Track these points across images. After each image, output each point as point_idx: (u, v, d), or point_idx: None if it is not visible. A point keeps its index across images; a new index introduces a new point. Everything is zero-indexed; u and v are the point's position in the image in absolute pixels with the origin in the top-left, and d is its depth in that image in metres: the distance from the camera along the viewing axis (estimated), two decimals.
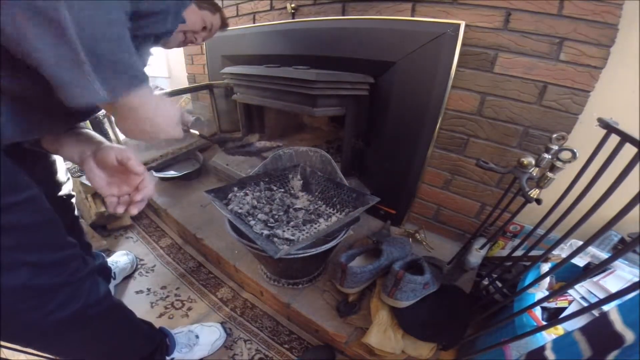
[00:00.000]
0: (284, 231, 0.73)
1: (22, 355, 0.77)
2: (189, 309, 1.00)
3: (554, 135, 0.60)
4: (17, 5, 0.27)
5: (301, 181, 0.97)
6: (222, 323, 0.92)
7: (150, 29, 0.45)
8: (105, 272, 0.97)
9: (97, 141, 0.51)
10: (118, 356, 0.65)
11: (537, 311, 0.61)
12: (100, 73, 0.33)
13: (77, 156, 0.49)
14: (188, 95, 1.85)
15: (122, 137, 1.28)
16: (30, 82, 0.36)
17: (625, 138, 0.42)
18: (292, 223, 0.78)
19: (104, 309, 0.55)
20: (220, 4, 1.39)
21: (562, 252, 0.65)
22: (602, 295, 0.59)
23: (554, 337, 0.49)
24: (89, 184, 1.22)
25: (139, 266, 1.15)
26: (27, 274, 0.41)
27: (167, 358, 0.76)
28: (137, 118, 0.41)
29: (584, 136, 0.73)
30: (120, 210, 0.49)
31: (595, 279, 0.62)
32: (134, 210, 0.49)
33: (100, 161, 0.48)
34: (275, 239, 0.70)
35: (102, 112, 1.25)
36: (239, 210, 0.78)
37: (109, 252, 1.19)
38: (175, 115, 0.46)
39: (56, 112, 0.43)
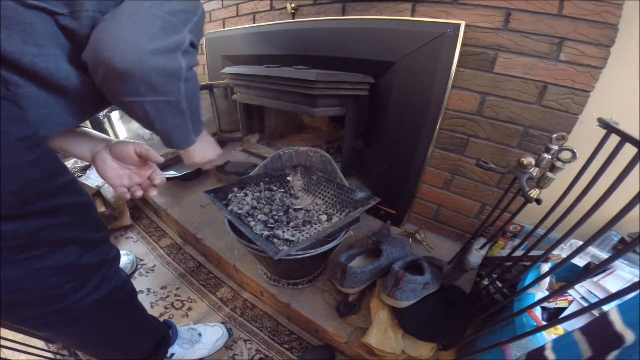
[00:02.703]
0: (283, 232, 0.73)
1: (23, 356, 0.77)
2: (189, 309, 1.00)
3: (554, 135, 0.60)
4: (159, 101, 0.43)
5: (301, 181, 0.97)
6: (222, 323, 0.92)
7: None
8: None
9: (104, 137, 0.55)
10: (133, 345, 0.66)
11: (537, 311, 0.61)
12: (194, 127, 0.51)
13: (88, 151, 0.52)
14: None
15: (121, 135, 1.28)
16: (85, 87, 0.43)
17: (625, 138, 0.42)
18: (292, 223, 0.78)
19: (127, 292, 0.58)
20: (220, 4, 1.40)
21: (562, 252, 0.65)
22: (602, 295, 0.59)
23: (554, 337, 0.49)
24: (90, 184, 1.23)
25: (138, 266, 1.16)
26: (76, 252, 0.45)
27: (169, 351, 0.77)
28: (204, 147, 0.58)
29: (584, 136, 0.73)
30: (139, 193, 0.55)
31: (595, 279, 0.62)
32: (153, 192, 0.57)
33: (116, 153, 0.52)
34: (275, 240, 0.70)
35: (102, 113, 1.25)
36: (239, 211, 0.77)
37: None
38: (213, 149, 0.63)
39: (87, 106, 0.48)
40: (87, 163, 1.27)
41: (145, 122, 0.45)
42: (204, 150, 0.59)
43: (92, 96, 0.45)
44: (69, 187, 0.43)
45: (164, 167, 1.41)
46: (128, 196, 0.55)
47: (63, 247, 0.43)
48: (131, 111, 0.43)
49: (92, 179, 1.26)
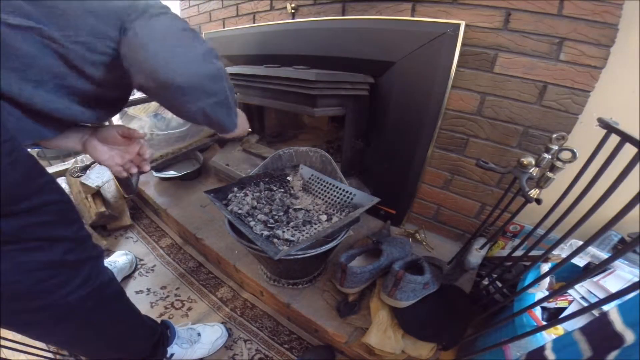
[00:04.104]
0: (283, 232, 0.73)
1: (22, 356, 0.77)
2: (189, 309, 1.00)
3: (554, 135, 0.60)
4: (214, 102, 0.49)
5: (301, 181, 0.97)
6: (222, 323, 0.92)
7: None
8: None
9: (88, 127, 0.58)
10: (127, 344, 0.66)
11: (537, 311, 0.61)
12: (235, 113, 0.57)
13: (78, 141, 0.56)
14: None
15: None
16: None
17: (625, 138, 0.42)
18: (292, 223, 0.78)
19: (114, 289, 0.59)
20: (220, 4, 1.40)
21: (562, 252, 0.65)
22: (602, 295, 0.59)
23: (554, 337, 0.49)
24: (90, 184, 1.23)
25: (138, 266, 1.16)
26: (59, 250, 0.45)
27: (168, 351, 0.77)
28: (241, 123, 0.65)
29: (584, 136, 0.73)
30: (133, 170, 0.60)
31: (595, 279, 0.62)
32: (147, 167, 0.61)
33: (103, 138, 0.57)
34: (275, 240, 0.70)
35: None
36: (239, 211, 0.77)
37: (109, 252, 1.19)
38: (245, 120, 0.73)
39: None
40: (87, 163, 1.28)
41: (204, 121, 0.52)
42: (240, 126, 0.68)
43: (67, 118, 0.46)
44: (48, 186, 0.44)
45: (164, 167, 1.41)
46: (124, 174, 0.60)
47: (47, 245, 0.44)
48: (193, 117, 0.50)
49: (92, 179, 1.26)
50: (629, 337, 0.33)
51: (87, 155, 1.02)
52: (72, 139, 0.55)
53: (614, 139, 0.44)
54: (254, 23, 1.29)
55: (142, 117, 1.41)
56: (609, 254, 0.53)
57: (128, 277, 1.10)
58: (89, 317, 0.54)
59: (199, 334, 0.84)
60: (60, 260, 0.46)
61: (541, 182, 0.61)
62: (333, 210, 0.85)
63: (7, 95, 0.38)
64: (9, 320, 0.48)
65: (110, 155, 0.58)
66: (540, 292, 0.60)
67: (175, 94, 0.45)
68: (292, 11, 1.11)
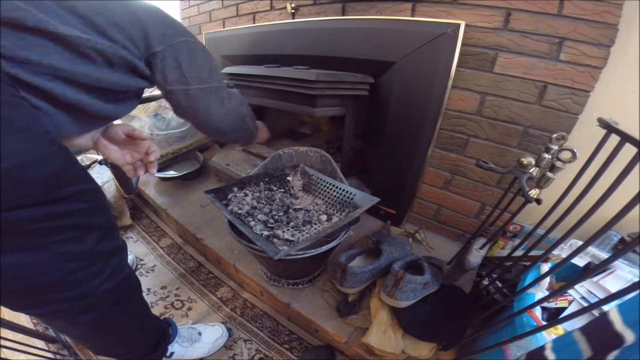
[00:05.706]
0: (283, 232, 0.73)
1: (22, 356, 0.77)
2: (189, 309, 1.00)
3: (554, 135, 0.60)
4: (241, 132, 0.77)
5: (301, 181, 0.97)
6: (222, 323, 0.92)
7: None
8: None
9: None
10: (136, 339, 0.67)
11: (537, 311, 0.61)
12: (254, 128, 0.81)
13: (89, 140, 0.57)
14: None
15: None
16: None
17: (625, 138, 0.42)
18: (292, 224, 0.78)
19: (135, 283, 0.62)
20: (220, 4, 1.40)
21: (562, 252, 0.65)
22: (602, 295, 0.59)
23: (554, 337, 0.49)
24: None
25: (139, 266, 1.16)
26: (95, 239, 0.48)
27: (168, 349, 0.77)
28: (260, 133, 0.90)
29: (584, 136, 0.73)
30: (140, 172, 0.61)
31: (595, 279, 0.62)
32: (153, 170, 0.62)
33: (110, 137, 0.58)
34: (275, 240, 0.70)
35: None
36: (239, 211, 0.77)
37: None
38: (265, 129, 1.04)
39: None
40: (87, 164, 1.28)
41: (231, 141, 0.74)
42: (260, 136, 0.95)
43: (94, 114, 0.48)
44: (83, 174, 0.47)
45: (164, 167, 1.42)
46: (132, 174, 0.61)
47: (84, 233, 0.46)
48: (224, 140, 0.72)
49: None
50: (629, 337, 0.33)
51: (87, 155, 1.06)
52: (84, 137, 0.56)
53: (614, 139, 0.44)
54: (254, 23, 1.29)
55: (142, 117, 1.41)
56: (609, 254, 0.53)
57: None
58: (111, 308, 0.55)
59: (199, 333, 0.84)
60: (94, 250, 0.47)
61: (541, 182, 0.61)
62: (333, 210, 0.85)
63: (39, 88, 0.40)
64: (37, 310, 0.49)
65: (122, 154, 0.59)
66: (540, 292, 0.60)
67: (217, 133, 0.69)
68: (292, 11, 1.11)
